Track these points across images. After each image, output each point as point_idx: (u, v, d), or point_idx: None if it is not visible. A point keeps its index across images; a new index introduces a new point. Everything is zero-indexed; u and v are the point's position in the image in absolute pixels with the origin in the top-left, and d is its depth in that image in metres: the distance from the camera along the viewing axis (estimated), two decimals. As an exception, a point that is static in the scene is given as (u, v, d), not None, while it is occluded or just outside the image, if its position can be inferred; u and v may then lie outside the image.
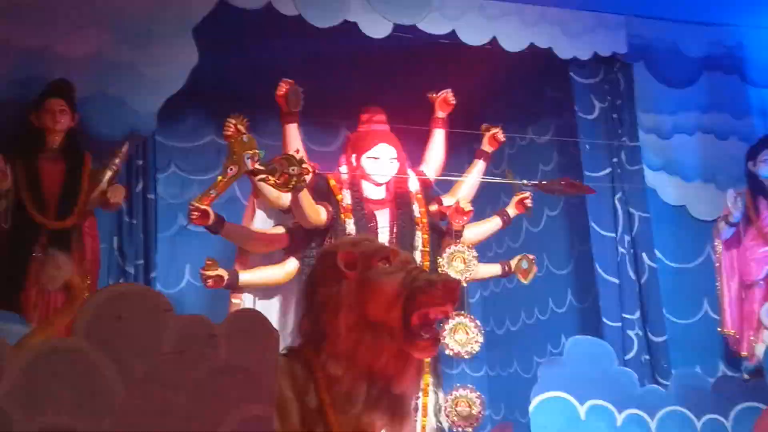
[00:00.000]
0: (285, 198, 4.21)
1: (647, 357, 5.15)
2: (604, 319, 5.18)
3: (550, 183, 4.71)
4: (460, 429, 4.18)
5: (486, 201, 5.31)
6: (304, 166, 3.84)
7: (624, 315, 5.17)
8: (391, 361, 3.41)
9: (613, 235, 5.28)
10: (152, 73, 4.82)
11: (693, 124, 5.69)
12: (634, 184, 5.36)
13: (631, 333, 5.14)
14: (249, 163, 3.87)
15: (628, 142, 5.45)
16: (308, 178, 3.87)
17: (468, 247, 4.27)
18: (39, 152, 4.54)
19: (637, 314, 5.19)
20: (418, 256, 4.23)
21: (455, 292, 3.44)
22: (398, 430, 3.46)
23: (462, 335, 4.14)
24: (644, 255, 5.29)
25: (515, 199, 4.65)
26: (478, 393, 4.27)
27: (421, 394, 4.08)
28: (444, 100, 4.59)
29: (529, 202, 4.63)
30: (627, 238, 5.30)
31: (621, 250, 5.25)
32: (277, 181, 3.82)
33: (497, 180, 4.81)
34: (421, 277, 3.48)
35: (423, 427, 3.97)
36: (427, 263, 4.20)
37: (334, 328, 3.38)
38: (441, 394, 4.26)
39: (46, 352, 2.81)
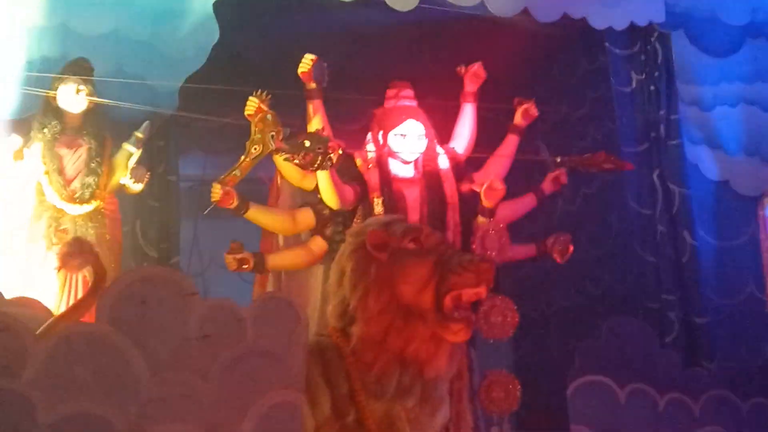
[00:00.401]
0: (310, 178, 4.10)
1: (689, 339, 5.02)
2: (643, 300, 5.07)
3: (586, 159, 4.58)
4: (495, 415, 4.07)
5: (520, 178, 5.13)
6: (329, 144, 3.71)
7: (664, 296, 5.04)
8: (423, 345, 3.29)
9: (652, 212, 5.17)
10: (172, 52, 4.78)
11: (736, 95, 5.54)
12: (674, 159, 5.27)
13: (671, 314, 5.03)
14: (273, 142, 3.76)
15: (668, 115, 5.33)
16: (334, 157, 3.73)
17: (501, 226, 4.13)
18: (59, 134, 4.50)
19: (678, 295, 5.06)
20: (448, 235, 4.09)
21: (489, 273, 3.31)
22: (431, 416, 3.34)
23: (498, 317, 4.02)
24: (685, 233, 5.20)
25: (550, 175, 4.50)
26: (513, 377, 4.15)
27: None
28: (474, 73, 4.46)
29: (564, 179, 4.47)
30: (666, 215, 5.18)
31: (660, 228, 5.13)
32: (302, 161, 3.71)
33: (530, 157, 4.65)
34: (454, 258, 3.35)
35: (457, 413, 3.83)
36: (459, 244, 4.06)
37: (364, 312, 3.27)
38: (475, 379, 4.14)
39: (70, 338, 2.74)
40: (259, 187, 4.99)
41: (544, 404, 4.94)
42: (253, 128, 3.87)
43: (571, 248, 4.47)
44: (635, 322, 4.49)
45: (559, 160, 4.59)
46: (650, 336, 4.37)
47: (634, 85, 5.34)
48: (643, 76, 5.35)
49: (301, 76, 4.14)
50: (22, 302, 3.68)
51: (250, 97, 3.96)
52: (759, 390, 4.36)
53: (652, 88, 5.35)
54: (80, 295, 4.29)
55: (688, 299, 5.10)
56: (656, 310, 5.07)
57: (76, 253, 3.96)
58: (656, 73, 5.36)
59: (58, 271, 4.25)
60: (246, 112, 3.97)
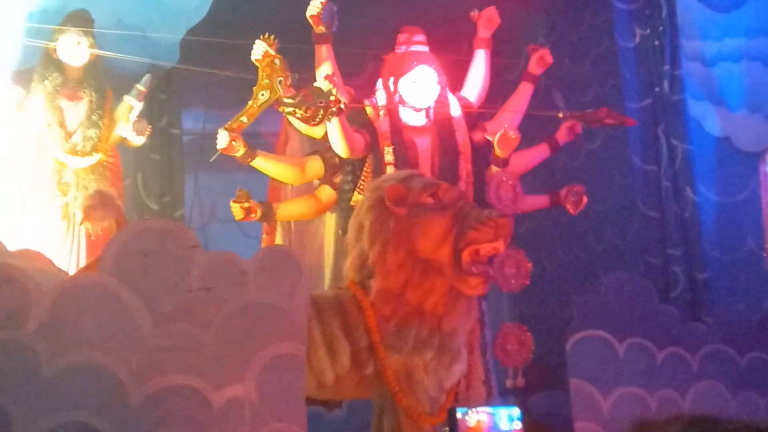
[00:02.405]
0: (319, 126, 4.04)
1: (689, 294, 5.02)
2: (645, 256, 5.05)
3: (589, 114, 4.54)
4: (509, 367, 4.10)
5: (533, 127, 5.08)
6: (332, 98, 3.66)
7: (668, 251, 5.03)
8: (441, 299, 3.31)
9: (656, 168, 5.14)
10: (173, 2, 4.70)
11: (739, 50, 5.46)
12: (677, 114, 5.20)
13: (675, 269, 5.01)
14: (281, 87, 3.71)
15: (671, 71, 5.25)
16: (337, 110, 3.69)
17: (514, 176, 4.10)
18: (59, 86, 4.46)
19: (681, 250, 5.04)
20: (461, 185, 4.05)
21: (507, 228, 3.32)
22: (449, 368, 3.38)
23: (512, 268, 4.02)
24: (687, 189, 5.16)
25: (565, 125, 4.44)
26: (525, 329, 4.17)
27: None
28: (488, 18, 4.35)
29: (579, 129, 4.42)
30: (670, 171, 5.13)
31: (665, 183, 5.09)
32: (305, 114, 3.67)
33: (539, 111, 4.60)
34: (472, 213, 3.35)
35: (468, 366, 3.87)
36: (471, 194, 4.03)
37: (382, 266, 3.29)
38: (487, 332, 4.16)
39: (73, 289, 2.75)
40: (265, 140, 4.98)
41: (544, 358, 4.97)
42: (260, 73, 3.81)
43: (585, 199, 4.44)
44: (634, 277, 4.47)
45: (561, 115, 4.55)
46: (649, 290, 4.37)
47: (637, 40, 5.27)
48: (647, 31, 5.28)
49: (310, 19, 4.04)
50: (25, 254, 3.68)
51: (258, 40, 3.90)
52: (756, 345, 4.35)
53: (656, 43, 5.27)
54: (83, 247, 4.31)
55: (690, 255, 5.09)
56: (659, 265, 5.04)
57: (99, 205, 3.97)
58: (660, 28, 5.28)
59: (81, 223, 4.26)
60: (253, 57, 3.90)
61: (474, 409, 3.18)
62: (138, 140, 4.59)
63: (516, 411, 3.48)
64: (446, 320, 3.29)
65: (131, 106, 4.57)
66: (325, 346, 3.23)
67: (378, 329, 3.23)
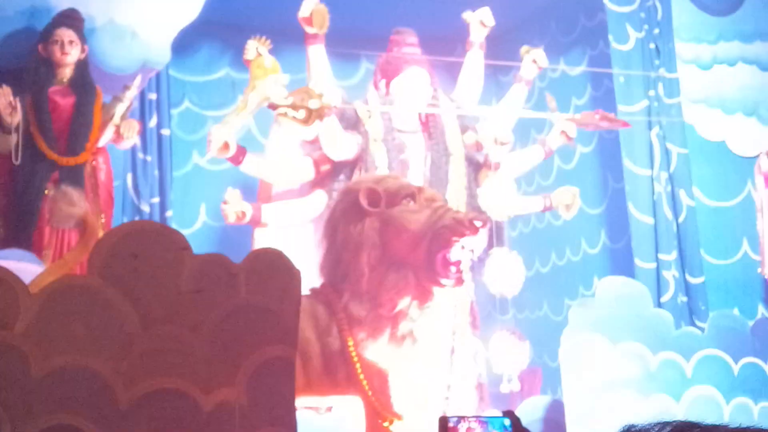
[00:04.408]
0: (310, 128, 4.01)
1: (684, 299, 5.02)
2: (638, 260, 5.04)
3: (583, 117, 4.53)
4: (505, 373, 4.07)
5: (529, 129, 5.05)
6: (324, 100, 3.64)
7: (660, 256, 5.02)
8: (414, 300, 3.28)
9: (649, 172, 5.11)
10: (164, 3, 4.65)
11: (734, 54, 5.47)
12: (672, 118, 5.17)
13: (667, 274, 5.02)
14: (272, 88, 3.69)
15: (666, 74, 5.25)
16: (329, 112, 3.67)
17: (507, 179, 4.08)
18: (48, 85, 4.44)
19: (674, 255, 5.03)
20: (452, 188, 4.04)
21: (481, 228, 3.29)
22: (422, 371, 3.35)
23: (505, 272, 4.00)
24: (682, 193, 5.13)
25: (557, 127, 4.42)
26: (521, 334, 4.15)
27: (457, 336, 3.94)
28: (481, 20, 4.34)
29: (573, 132, 4.39)
30: (664, 175, 5.11)
31: (657, 188, 5.07)
32: (296, 116, 3.64)
33: (532, 114, 4.58)
34: (447, 215, 3.33)
35: (464, 371, 3.83)
36: (463, 196, 4.01)
37: (356, 268, 3.26)
38: (478, 338, 4.13)
39: (62, 290, 2.71)
40: (256, 142, 4.93)
41: (538, 362, 4.94)
42: (252, 74, 3.79)
43: (579, 203, 4.43)
44: (629, 282, 4.47)
45: (555, 117, 4.53)
46: (644, 295, 4.35)
47: (632, 42, 5.26)
48: (642, 34, 5.26)
49: (301, 21, 4.04)
50: (13, 254, 3.66)
51: (250, 41, 3.88)
52: (751, 350, 4.35)
53: (651, 46, 5.27)
54: (69, 245, 4.26)
55: (684, 259, 5.07)
56: (652, 269, 5.01)
57: (64, 205, 3.90)
58: (655, 31, 5.28)
59: (48, 224, 4.21)
60: (245, 57, 3.89)
61: (465, 418, 3.14)
62: (127, 140, 4.54)
63: (507, 421, 3.45)
64: (419, 323, 3.26)
65: (122, 105, 4.51)
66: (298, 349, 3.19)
67: (350, 332, 3.19)
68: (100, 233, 3.97)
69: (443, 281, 3.16)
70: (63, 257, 3.77)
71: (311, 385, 3.23)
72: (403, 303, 3.23)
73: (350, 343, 3.22)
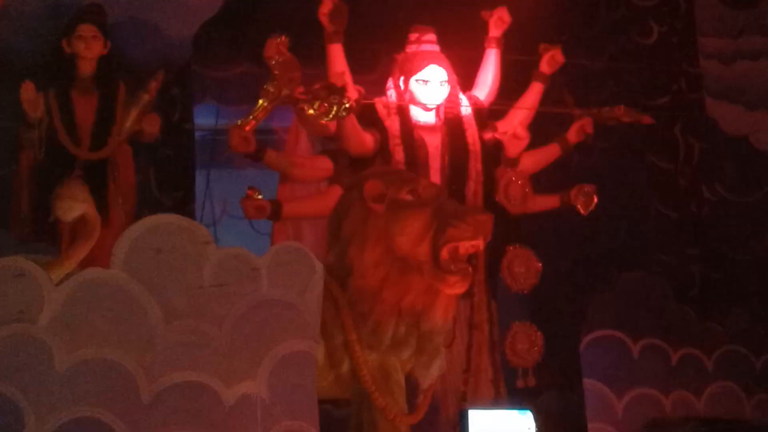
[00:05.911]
0: (330, 123, 4.04)
1: (706, 294, 4.99)
2: (661, 255, 5.02)
3: (605, 112, 4.52)
4: (519, 367, 4.08)
5: (546, 126, 5.04)
6: (345, 94, 3.66)
7: (682, 250, 4.99)
8: (419, 297, 3.26)
9: (672, 167, 5.08)
10: (186, -3, 4.68)
11: (758, 48, 5.49)
12: (695, 112, 5.15)
13: (691, 269, 4.98)
14: (292, 86, 3.70)
15: (688, 69, 5.25)
16: (349, 107, 3.68)
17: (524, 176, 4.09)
18: (71, 81, 4.46)
19: (696, 250, 5.01)
20: (470, 185, 4.06)
21: (486, 226, 3.27)
22: (426, 368, 3.34)
23: (521, 268, 4.00)
24: (704, 188, 5.12)
25: (575, 125, 4.42)
26: (536, 328, 4.15)
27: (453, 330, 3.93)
28: (499, 17, 4.36)
29: (590, 129, 4.39)
30: (687, 170, 5.10)
31: (681, 182, 5.06)
32: (318, 111, 3.66)
33: (552, 109, 4.57)
34: (452, 210, 3.32)
35: (477, 366, 3.84)
36: (481, 193, 4.02)
37: (360, 263, 3.25)
38: (496, 330, 4.14)
39: (86, 284, 2.74)
40: (276, 137, 4.95)
41: (557, 358, 4.94)
42: (271, 72, 3.81)
43: (596, 200, 4.42)
44: (649, 277, 4.46)
45: (576, 112, 4.52)
46: (665, 290, 4.35)
47: (655, 36, 5.30)
48: (665, 28, 5.31)
49: (320, 18, 4.06)
50: (37, 248, 3.69)
51: (269, 39, 3.90)
52: (773, 346, 4.35)
53: (673, 40, 5.31)
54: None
55: (706, 254, 5.10)
56: (675, 264, 5.02)
57: (67, 198, 3.91)
58: (678, 25, 5.33)
59: (52, 217, 4.22)
60: (265, 54, 3.91)
61: (485, 411, 3.15)
62: (150, 135, 4.57)
63: (528, 414, 3.45)
64: (424, 319, 3.24)
65: (144, 100, 4.54)
66: None
67: (354, 327, 3.19)
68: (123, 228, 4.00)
69: (449, 276, 3.15)
70: (65, 253, 3.76)
71: (315, 378, 3.24)
72: (409, 298, 3.23)
73: (354, 338, 3.22)
